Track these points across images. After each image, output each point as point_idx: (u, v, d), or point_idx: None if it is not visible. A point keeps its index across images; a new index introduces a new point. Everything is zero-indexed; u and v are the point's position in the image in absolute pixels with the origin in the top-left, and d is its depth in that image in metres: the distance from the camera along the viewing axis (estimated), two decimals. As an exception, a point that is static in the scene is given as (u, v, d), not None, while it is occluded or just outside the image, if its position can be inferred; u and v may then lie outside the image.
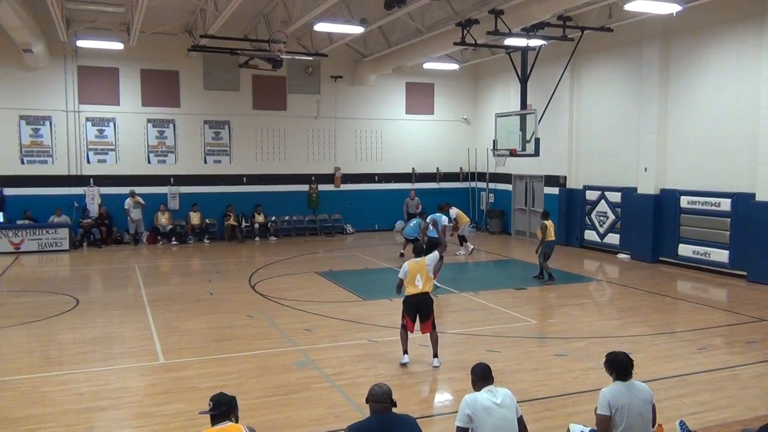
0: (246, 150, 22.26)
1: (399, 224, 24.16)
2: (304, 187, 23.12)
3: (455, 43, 16.68)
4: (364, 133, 23.85)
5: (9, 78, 19.37)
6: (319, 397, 7.55)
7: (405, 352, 8.73)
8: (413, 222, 17.66)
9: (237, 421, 4.58)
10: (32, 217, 19.39)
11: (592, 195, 19.42)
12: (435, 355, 8.69)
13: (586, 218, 19.62)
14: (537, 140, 17.20)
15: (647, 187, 17.23)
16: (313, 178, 23.24)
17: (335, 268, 16.51)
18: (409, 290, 8.61)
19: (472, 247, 19.25)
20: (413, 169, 24.52)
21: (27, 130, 19.78)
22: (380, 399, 4.62)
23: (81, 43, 18.58)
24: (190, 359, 9.04)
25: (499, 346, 9.57)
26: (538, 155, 17.59)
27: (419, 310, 8.61)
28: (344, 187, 23.69)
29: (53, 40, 18.44)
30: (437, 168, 24.86)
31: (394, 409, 4.68)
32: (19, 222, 19.22)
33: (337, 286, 14.14)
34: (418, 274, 8.61)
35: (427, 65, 21.74)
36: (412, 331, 8.72)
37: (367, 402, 4.68)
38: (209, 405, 4.53)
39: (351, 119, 23.57)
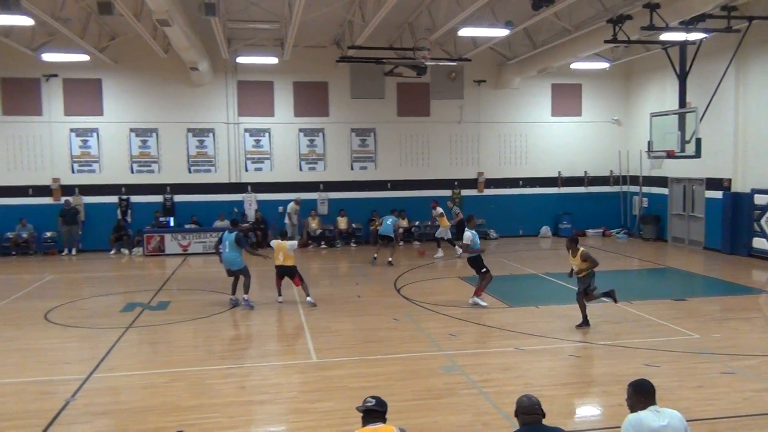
0: (390, 156, 22.74)
1: (545, 230, 23.55)
2: (447, 192, 23.17)
3: (606, 41, 15.98)
4: (508, 137, 23.49)
5: (178, 94, 21.22)
6: (467, 404, 7.52)
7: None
8: (390, 220, 18.14)
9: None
10: (198, 222, 21.08)
11: (761, 199, 17.71)
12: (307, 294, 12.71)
13: (755, 225, 17.93)
14: (698, 140, 16.02)
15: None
16: (456, 183, 23.25)
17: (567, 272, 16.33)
18: (276, 262, 12.85)
19: (441, 254, 19.00)
20: (559, 173, 23.77)
21: (193, 142, 21.56)
22: (531, 411, 4.49)
23: (240, 60, 19.98)
24: (341, 359, 9.37)
25: (657, 361, 9.00)
26: (699, 156, 16.37)
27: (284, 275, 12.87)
28: (487, 191, 23.46)
29: (216, 57, 19.98)
30: (585, 171, 23.92)
31: (543, 421, 4.54)
32: (186, 226, 20.97)
33: (483, 292, 14.00)
34: (280, 252, 12.72)
35: (575, 65, 20.99)
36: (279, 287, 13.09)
37: (516, 415, 4.56)
38: (368, 402, 4.63)
39: (495, 123, 23.30)
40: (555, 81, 23.35)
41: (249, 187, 21.86)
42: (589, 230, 23.65)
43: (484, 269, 12.55)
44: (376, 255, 18.06)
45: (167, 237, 20.30)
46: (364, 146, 22.63)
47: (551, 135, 23.71)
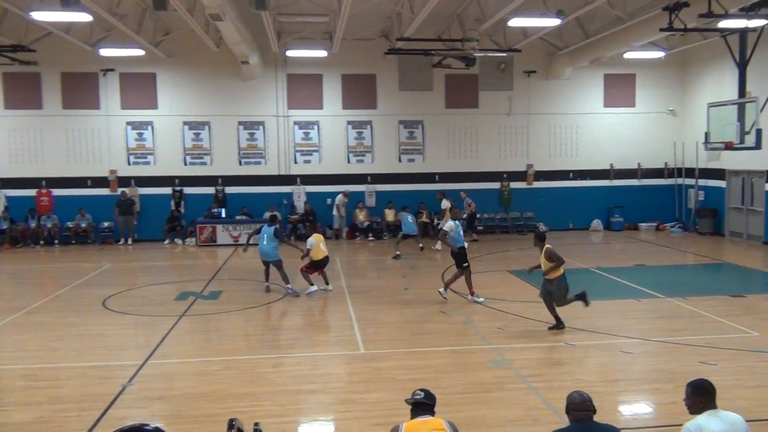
0: (438, 148, 22.65)
1: (596, 223, 23.11)
2: (496, 185, 22.97)
3: (661, 29, 15.52)
4: (558, 129, 23.10)
5: (229, 88, 21.59)
6: (516, 398, 7.47)
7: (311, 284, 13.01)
8: (410, 218, 18.37)
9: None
10: (248, 213, 21.43)
11: (826, 192, 17.02)
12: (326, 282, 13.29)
13: (819, 219, 17.23)
14: (758, 131, 15.46)
15: None
16: (504, 175, 23.01)
17: (528, 267, 16.14)
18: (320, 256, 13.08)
19: (440, 246, 18.42)
20: (611, 165, 23.26)
21: (244, 135, 21.92)
22: (583, 407, 4.44)
23: (290, 53, 20.18)
24: (389, 351, 9.42)
25: (713, 358, 8.75)
26: (760, 148, 15.81)
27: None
28: (537, 184, 23.14)
29: (266, 51, 20.24)
30: (638, 164, 23.34)
31: (594, 418, 4.48)
32: (237, 217, 21.35)
33: (530, 286, 13.82)
34: (321, 243, 13.19)
35: (629, 54, 20.47)
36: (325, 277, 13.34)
37: (567, 412, 4.51)
38: (418, 395, 4.65)
39: (545, 115, 22.94)
40: (608, 71, 22.83)
41: (298, 179, 22.11)
42: (642, 224, 23.10)
43: (466, 264, 12.31)
44: (399, 252, 17.93)
45: (219, 228, 20.73)
46: (412, 138, 22.60)
47: (603, 126, 23.21)
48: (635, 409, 7.46)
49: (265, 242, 13.41)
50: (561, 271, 10.16)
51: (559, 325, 10.20)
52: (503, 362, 8.73)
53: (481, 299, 12.27)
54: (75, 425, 6.88)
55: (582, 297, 10.22)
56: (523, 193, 23.07)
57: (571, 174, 23.25)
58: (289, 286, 13.20)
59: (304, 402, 7.62)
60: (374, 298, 12.89)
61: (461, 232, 12.53)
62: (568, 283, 10.22)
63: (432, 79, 22.24)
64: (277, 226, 13.91)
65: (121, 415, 7.17)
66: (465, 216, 19.50)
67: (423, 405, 4.60)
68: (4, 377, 8.74)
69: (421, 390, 4.69)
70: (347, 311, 11.88)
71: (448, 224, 12.41)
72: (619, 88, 23.16)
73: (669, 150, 23.25)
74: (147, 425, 2.24)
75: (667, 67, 22.86)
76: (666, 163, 23.43)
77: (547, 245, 10.25)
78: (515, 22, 16.00)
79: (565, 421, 4.57)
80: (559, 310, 10.28)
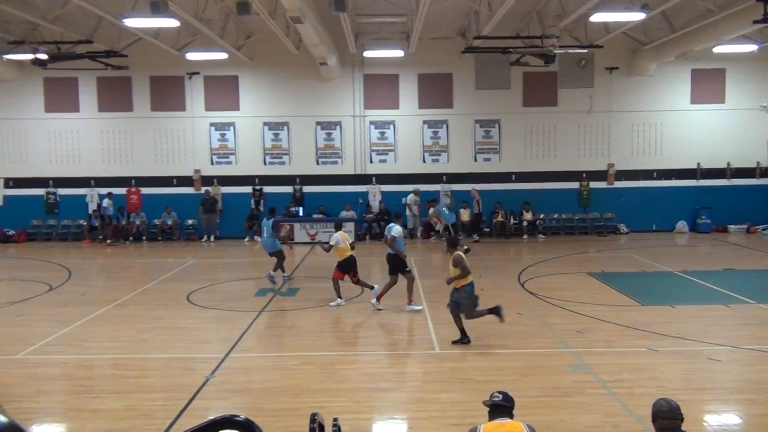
0: (515, 147, 22.32)
1: (681, 225, 22.20)
2: (575, 185, 22.42)
3: (755, 21, 14.73)
4: (641, 127, 22.30)
5: (308, 89, 22.01)
6: (596, 404, 7.28)
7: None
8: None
9: None
10: (325, 212, 21.79)
11: None
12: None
13: None
14: None
15: None
16: (584, 175, 22.42)
17: (608, 269, 15.73)
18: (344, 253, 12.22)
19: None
20: (698, 164, 22.26)
21: (322, 135, 22.30)
22: (670, 415, 4.29)
23: (367, 54, 20.38)
24: (464, 351, 9.37)
25: (810, 369, 8.25)
26: None
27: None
28: (618, 184, 22.43)
29: (344, 52, 20.52)
30: (728, 163, 22.22)
31: (681, 426, 4.32)
32: (314, 216, 21.74)
33: (610, 289, 13.46)
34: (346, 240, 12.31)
35: (718, 49, 19.53)
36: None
37: (654, 420, 4.36)
38: (496, 397, 4.61)
39: (627, 112, 22.20)
40: (695, 66, 21.86)
41: (374, 179, 22.29)
42: (732, 226, 21.99)
43: (408, 269, 11.99)
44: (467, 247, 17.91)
45: (296, 226, 21.17)
46: (488, 137, 22.36)
47: (690, 124, 22.24)
48: (724, 419, 7.12)
49: (265, 235, 14.53)
50: (468, 280, 9.66)
51: (463, 339, 9.65)
52: (582, 366, 8.52)
53: (419, 308, 11.94)
54: (162, 414, 7.19)
55: (496, 311, 9.61)
56: (603, 193, 22.42)
57: (654, 173, 22.40)
58: (272, 273, 14.19)
59: (380, 400, 7.69)
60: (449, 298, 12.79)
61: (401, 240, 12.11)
62: (476, 294, 9.73)
63: (509, 77, 21.94)
64: (277, 218, 15.01)
65: (204, 406, 7.45)
66: (476, 212, 20.82)
67: (501, 407, 4.57)
68: (96, 366, 9.24)
69: (500, 392, 4.65)
70: (422, 311, 11.87)
71: (396, 229, 12.01)
72: (708, 84, 22.13)
73: (762, 149, 22.02)
74: (237, 416, 2.31)
75: (761, 62, 21.63)
76: (758, 163, 22.20)
77: (458, 252, 9.76)
78: (597, 17, 15.55)
79: (648, 429, 4.44)
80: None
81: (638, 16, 15.40)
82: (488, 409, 4.64)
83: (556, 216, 22.34)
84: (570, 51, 19.48)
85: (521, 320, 11.05)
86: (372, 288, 12.20)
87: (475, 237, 20.88)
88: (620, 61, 21.85)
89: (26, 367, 9.13)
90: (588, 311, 11.46)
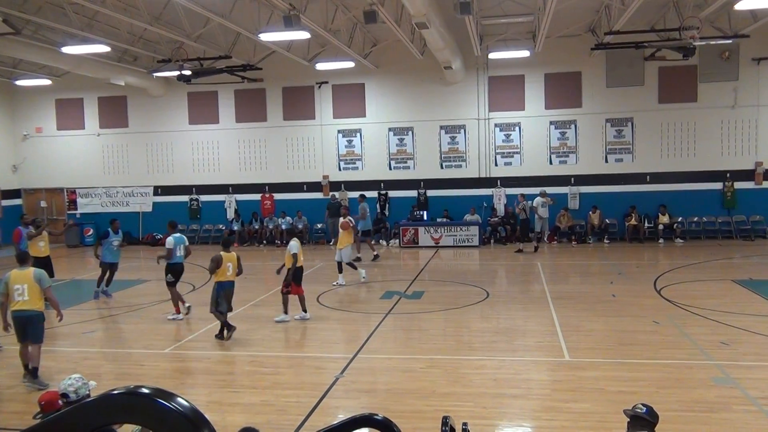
0: (650, 147, 21.15)
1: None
2: (717, 185, 20.88)
3: None
4: (795, 122, 20.41)
5: (432, 93, 22.11)
6: (744, 421, 6.74)
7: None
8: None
9: None
10: (449, 216, 21.77)
11: None
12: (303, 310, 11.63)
13: None
14: None
15: None
16: (728, 175, 20.82)
17: (757, 276, 14.52)
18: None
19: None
20: None
21: (446, 139, 22.31)
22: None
23: (492, 55, 20.15)
24: (596, 360, 9.00)
25: None
26: None
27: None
28: (767, 184, 20.64)
29: (468, 55, 20.41)
30: None
31: None
32: (438, 220, 21.79)
33: (760, 297, 12.41)
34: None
35: None
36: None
37: None
38: (639, 409, 4.40)
39: (778, 106, 20.41)
40: None
41: (498, 182, 21.99)
42: None
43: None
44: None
45: (421, 230, 21.30)
46: (620, 137, 21.36)
47: None
48: None
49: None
50: (220, 277, 10.46)
51: (221, 334, 10.38)
52: (728, 380, 7.92)
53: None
54: (295, 410, 7.49)
55: (228, 328, 10.34)
56: (749, 194, 20.70)
57: (811, 172, 20.40)
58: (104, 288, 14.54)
59: (507, 406, 7.56)
60: (579, 305, 12.39)
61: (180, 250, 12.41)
62: (219, 294, 10.41)
63: (643, 73, 20.84)
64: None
65: (335, 405, 7.68)
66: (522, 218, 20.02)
67: (642, 420, 4.35)
68: (235, 362, 9.79)
69: (644, 405, 4.43)
70: (550, 316, 11.55)
71: (168, 240, 12.35)
72: None
73: None
74: (376, 415, 2.37)
75: None
76: None
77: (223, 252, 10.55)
78: (743, 5, 14.41)
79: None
80: None
81: (791, 0, 14.12)
82: (628, 420, 4.43)
83: (695, 219, 20.92)
84: (712, 42, 18.17)
85: (658, 329, 10.45)
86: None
87: (520, 246, 19.77)
88: (769, 51, 20.13)
89: (174, 361, 9.86)
90: (734, 321, 10.63)
